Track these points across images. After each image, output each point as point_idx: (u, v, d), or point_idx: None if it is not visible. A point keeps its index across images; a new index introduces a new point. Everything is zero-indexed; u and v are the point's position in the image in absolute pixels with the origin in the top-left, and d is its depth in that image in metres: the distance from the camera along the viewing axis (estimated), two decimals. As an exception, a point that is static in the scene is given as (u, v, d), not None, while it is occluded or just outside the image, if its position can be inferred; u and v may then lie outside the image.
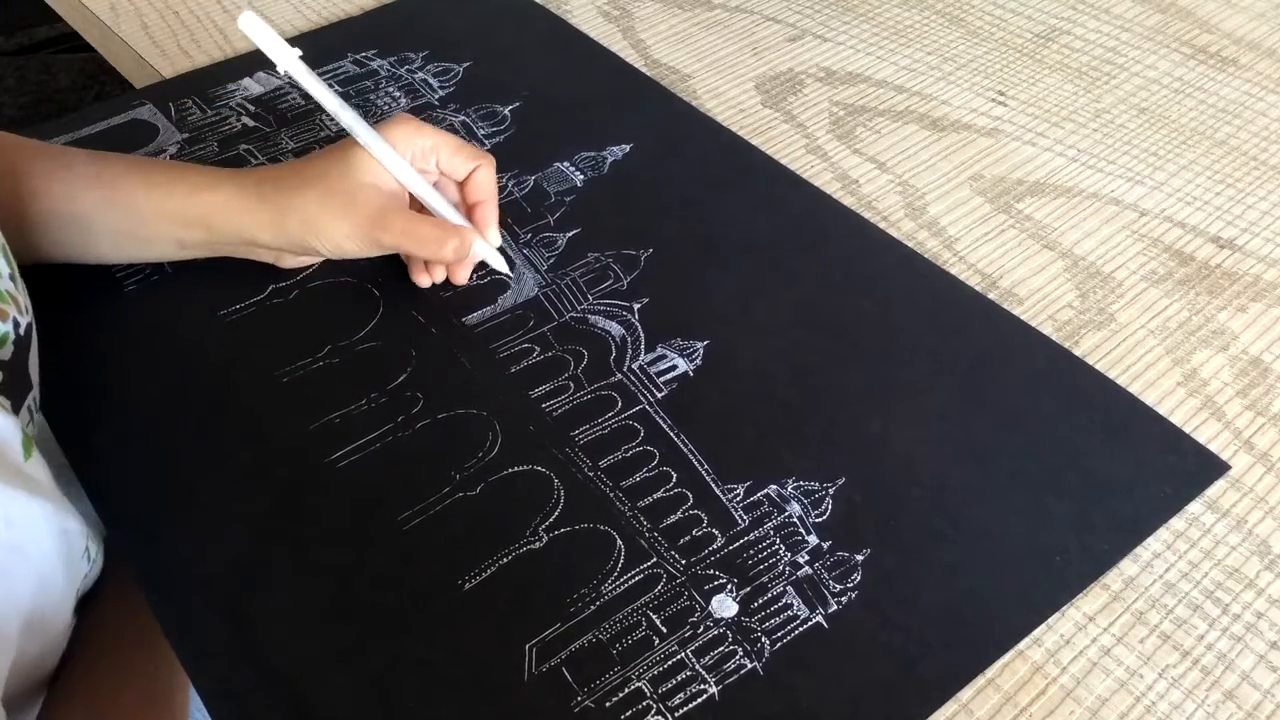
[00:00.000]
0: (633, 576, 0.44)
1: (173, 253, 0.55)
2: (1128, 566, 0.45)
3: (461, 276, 0.56)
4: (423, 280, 0.55)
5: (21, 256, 0.50)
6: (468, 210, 0.55)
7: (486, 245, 0.55)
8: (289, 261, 0.56)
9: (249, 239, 0.52)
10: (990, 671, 0.42)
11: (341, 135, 0.60)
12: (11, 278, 0.45)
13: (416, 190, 0.53)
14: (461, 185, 0.55)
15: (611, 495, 0.46)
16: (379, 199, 0.51)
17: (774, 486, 0.47)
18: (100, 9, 0.76)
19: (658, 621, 0.42)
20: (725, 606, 0.43)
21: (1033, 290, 0.57)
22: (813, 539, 0.45)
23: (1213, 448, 0.49)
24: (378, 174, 0.52)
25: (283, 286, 0.55)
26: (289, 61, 0.50)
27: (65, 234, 0.52)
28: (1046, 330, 0.54)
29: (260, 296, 0.55)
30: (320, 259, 0.56)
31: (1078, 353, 0.53)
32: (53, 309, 0.54)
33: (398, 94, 0.68)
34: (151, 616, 0.43)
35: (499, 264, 0.56)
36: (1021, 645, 0.42)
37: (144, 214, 0.52)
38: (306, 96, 0.67)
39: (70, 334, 0.53)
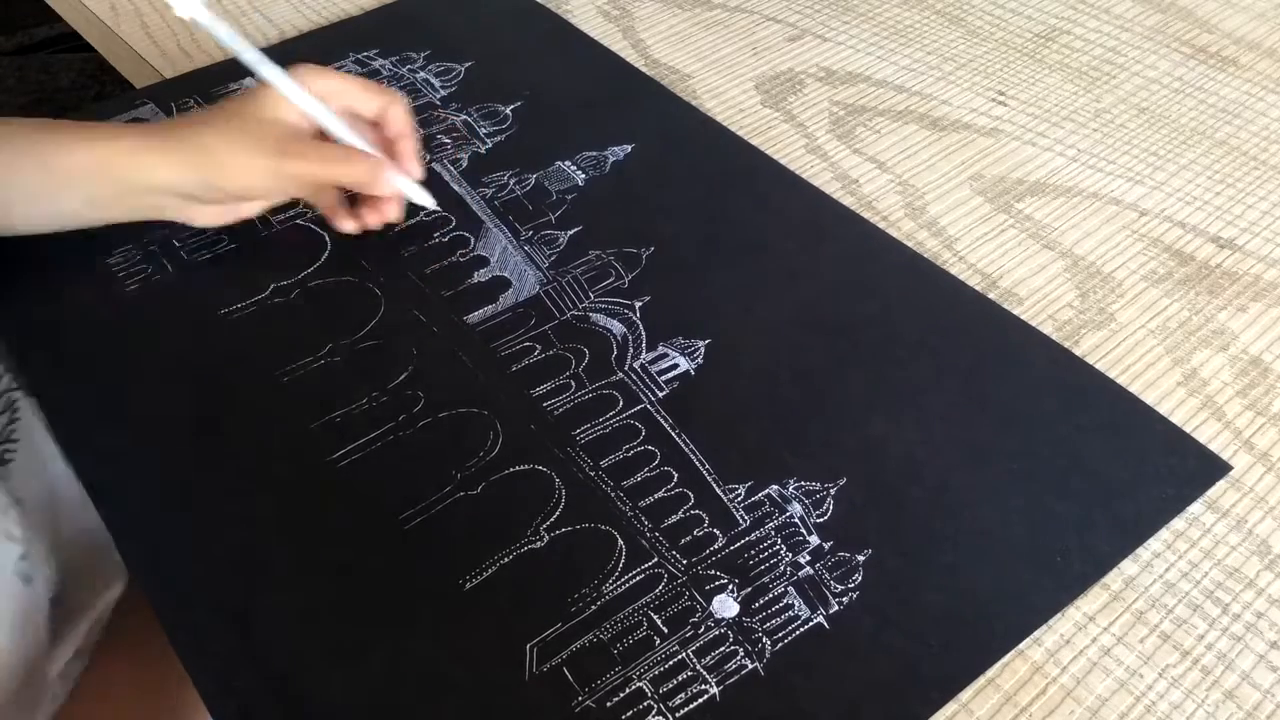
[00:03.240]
0: (634, 576, 0.44)
1: (85, 213, 0.53)
2: (1128, 566, 0.45)
3: (392, 213, 0.55)
4: (346, 225, 0.55)
5: None
6: (385, 148, 0.55)
7: (407, 180, 0.55)
8: (199, 215, 0.54)
9: (154, 185, 0.51)
10: (990, 671, 0.42)
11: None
12: None
13: (325, 122, 0.52)
14: (378, 126, 0.55)
15: (613, 495, 0.46)
16: (287, 130, 0.51)
17: (775, 487, 0.47)
18: (100, 9, 0.76)
19: (659, 621, 0.42)
20: (726, 607, 0.43)
21: (1033, 290, 0.57)
22: (814, 539, 0.45)
23: (1213, 447, 0.49)
24: (284, 109, 0.51)
25: (284, 285, 0.55)
26: (191, 7, 0.50)
27: None
28: (1047, 330, 0.54)
29: (261, 295, 0.55)
30: (231, 215, 0.55)
31: (1078, 353, 0.53)
32: (53, 308, 0.54)
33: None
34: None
35: (422, 198, 0.55)
36: (1021, 645, 0.43)
37: (52, 170, 0.51)
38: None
39: (70, 333, 0.53)
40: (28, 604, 0.49)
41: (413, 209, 0.58)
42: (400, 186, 0.54)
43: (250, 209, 0.55)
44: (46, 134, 0.51)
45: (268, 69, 0.51)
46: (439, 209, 0.56)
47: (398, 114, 0.54)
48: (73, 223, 0.54)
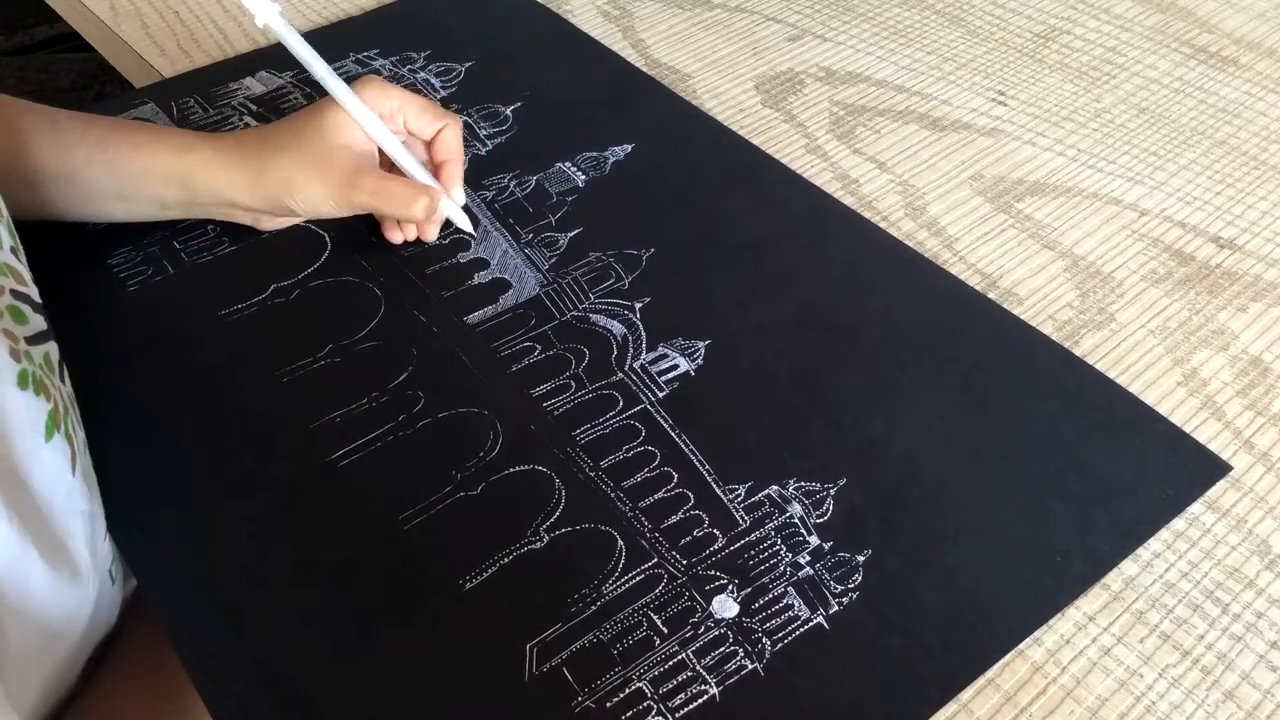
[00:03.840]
0: (634, 577, 0.44)
1: (155, 212, 0.56)
2: (1128, 566, 0.45)
3: (431, 234, 0.58)
4: (395, 237, 0.57)
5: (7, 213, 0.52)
6: (434, 169, 0.57)
7: (451, 203, 0.57)
8: (267, 223, 0.58)
9: (227, 199, 0.54)
10: (990, 671, 0.42)
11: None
12: (13, 250, 0.45)
13: (389, 148, 0.55)
14: (429, 145, 0.57)
15: (613, 495, 0.46)
16: (352, 160, 0.53)
17: (775, 487, 0.47)
18: (100, 9, 0.76)
19: (658, 622, 0.42)
20: (726, 607, 0.43)
21: (1033, 290, 0.57)
22: (814, 540, 0.45)
23: (1213, 447, 0.49)
24: (351, 135, 0.54)
25: (284, 286, 0.55)
26: (268, 15, 0.52)
27: (52, 191, 0.54)
28: (1046, 330, 0.54)
29: (262, 296, 0.55)
30: (296, 220, 0.58)
31: (1078, 353, 0.53)
32: (53, 308, 0.54)
33: (398, 94, 0.67)
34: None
35: (463, 222, 0.58)
36: (1021, 645, 0.43)
37: (128, 172, 0.53)
38: (307, 94, 0.67)
39: (71, 333, 0.53)
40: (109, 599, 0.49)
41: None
42: (447, 213, 0.57)
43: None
44: (123, 135, 0.54)
45: (336, 85, 0.53)
46: (474, 235, 0.58)
47: (451, 138, 0.57)
48: (143, 219, 0.57)
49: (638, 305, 0.54)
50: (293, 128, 0.54)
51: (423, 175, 0.56)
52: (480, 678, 0.41)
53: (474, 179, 0.62)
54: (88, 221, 0.57)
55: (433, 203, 0.54)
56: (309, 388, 0.51)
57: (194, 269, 0.56)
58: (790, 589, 0.43)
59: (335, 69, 0.54)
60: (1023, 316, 0.55)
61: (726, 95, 0.69)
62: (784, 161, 0.64)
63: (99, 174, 0.53)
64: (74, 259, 0.57)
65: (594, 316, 0.54)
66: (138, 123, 0.55)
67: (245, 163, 0.53)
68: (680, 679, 0.41)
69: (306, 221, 0.59)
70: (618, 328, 0.53)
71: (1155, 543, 0.46)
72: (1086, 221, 0.61)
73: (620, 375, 0.51)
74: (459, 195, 0.57)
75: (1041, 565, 0.44)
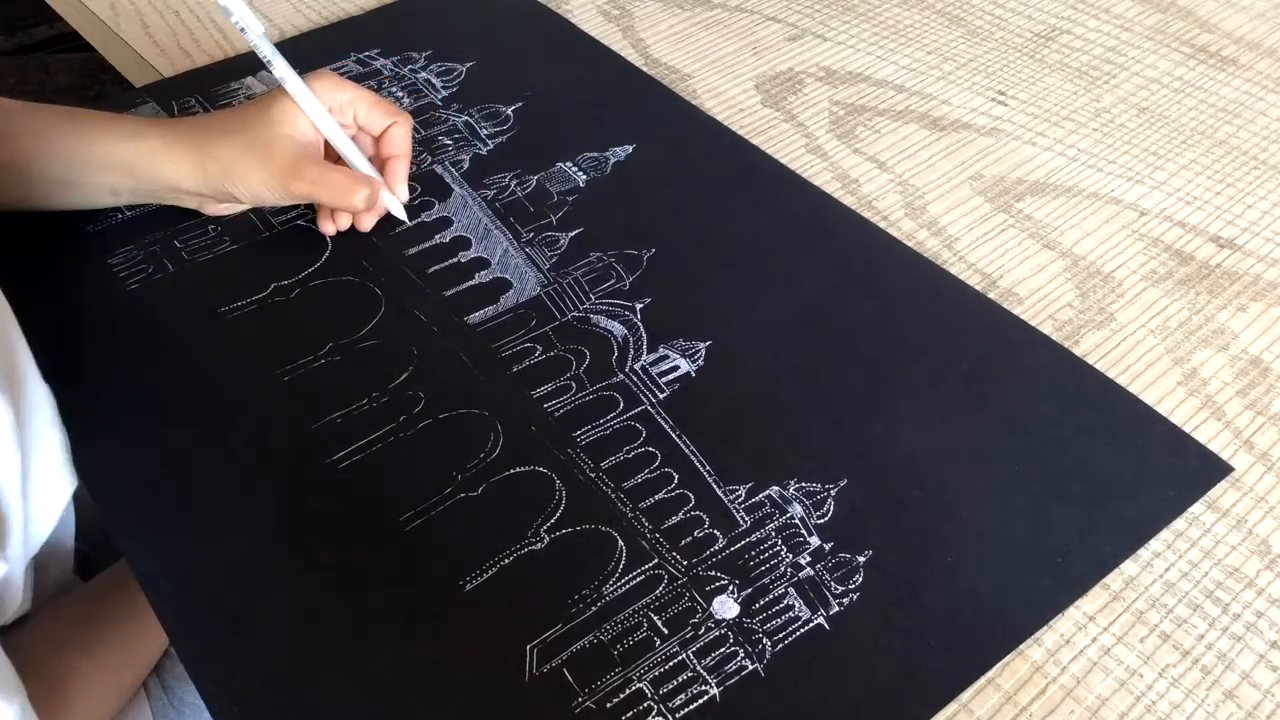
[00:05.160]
0: (634, 577, 0.44)
1: (107, 200, 0.57)
2: (1128, 566, 0.45)
3: (366, 224, 0.58)
4: (328, 227, 0.58)
5: None
6: (380, 164, 0.58)
7: (394, 199, 0.58)
8: (212, 208, 0.59)
9: (172, 185, 0.55)
10: (990, 671, 0.42)
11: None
12: None
13: (332, 137, 0.56)
14: (377, 141, 0.58)
15: (613, 496, 0.46)
16: (295, 149, 0.54)
17: (776, 488, 0.47)
18: (100, 9, 0.76)
19: (659, 623, 0.42)
20: (726, 608, 0.43)
21: (1033, 290, 0.57)
22: (814, 540, 0.45)
23: (1213, 447, 0.49)
24: (296, 125, 0.54)
25: (284, 284, 0.55)
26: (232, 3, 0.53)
27: (2, 183, 0.54)
28: (1047, 330, 0.54)
29: (262, 294, 0.55)
30: (242, 207, 0.59)
31: (1078, 352, 0.53)
32: (54, 307, 0.54)
33: (400, 94, 0.68)
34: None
35: (399, 213, 0.59)
36: (1021, 644, 0.43)
37: (75, 162, 0.54)
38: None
39: (71, 332, 0.53)
40: None
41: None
42: (386, 201, 0.58)
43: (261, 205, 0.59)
44: (68, 124, 0.55)
45: (288, 75, 0.54)
46: (408, 223, 0.59)
47: (399, 135, 0.58)
48: (95, 206, 0.58)
49: (638, 306, 0.54)
50: (241, 115, 0.55)
51: (365, 167, 0.57)
52: (480, 678, 0.41)
53: (475, 178, 0.62)
54: (38, 210, 0.57)
55: (372, 193, 0.55)
56: (310, 387, 0.51)
57: (194, 267, 0.56)
58: (791, 590, 0.43)
59: (336, 69, 0.54)
60: (1023, 316, 0.55)
61: (726, 95, 0.69)
62: (784, 161, 0.64)
63: (46, 164, 0.54)
64: (74, 258, 0.57)
65: (594, 317, 0.54)
66: (85, 111, 0.56)
67: (190, 149, 0.54)
68: (681, 679, 0.41)
69: (306, 221, 0.59)
70: (618, 329, 0.53)
71: (1155, 542, 0.46)
72: (1086, 221, 0.61)
73: (621, 377, 0.51)
74: (402, 192, 0.59)
75: (1042, 566, 0.44)
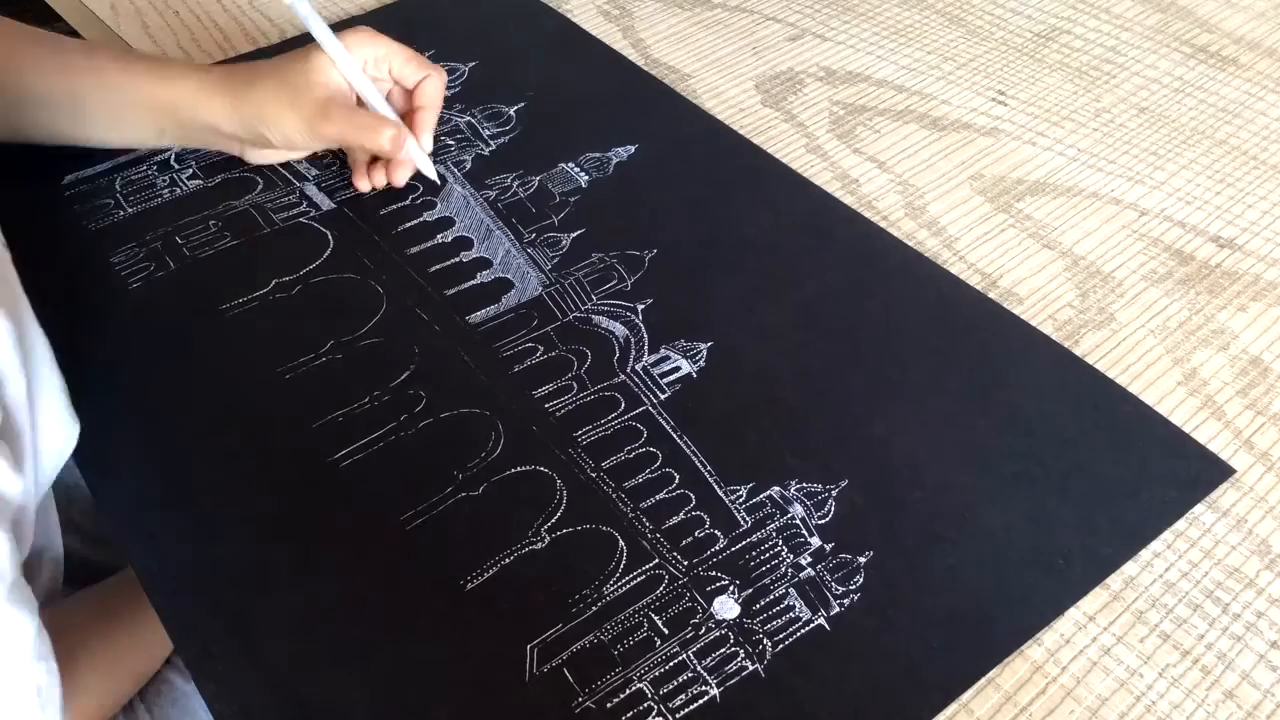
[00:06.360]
0: (635, 578, 0.44)
1: (153, 138, 0.60)
2: (1128, 566, 0.45)
3: (399, 178, 0.60)
4: (362, 184, 0.60)
5: (10, 135, 0.58)
6: (409, 116, 0.60)
7: (422, 155, 0.60)
8: (252, 155, 0.61)
9: (211, 126, 0.58)
10: (990, 671, 0.42)
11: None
12: None
13: (361, 88, 0.58)
14: (410, 93, 0.60)
15: (614, 496, 0.46)
16: (325, 93, 0.56)
17: (776, 488, 0.47)
18: (100, 9, 0.76)
19: (659, 623, 0.42)
20: (727, 608, 0.43)
21: (1033, 290, 0.57)
22: (815, 541, 0.45)
23: (1213, 447, 0.49)
24: (329, 73, 0.57)
25: (286, 281, 0.55)
26: None
27: (57, 113, 0.58)
28: (1047, 330, 0.54)
29: (263, 291, 0.55)
30: (279, 156, 0.62)
31: (1078, 352, 0.53)
32: (54, 305, 0.54)
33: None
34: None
35: (428, 169, 0.60)
36: (1021, 645, 0.43)
37: (126, 98, 0.58)
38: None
39: (71, 330, 0.53)
40: None
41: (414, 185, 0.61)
42: (412, 153, 0.60)
43: (297, 154, 0.62)
44: (120, 63, 0.58)
45: (323, 31, 0.56)
46: (438, 182, 0.61)
47: (431, 88, 0.60)
48: (143, 145, 0.62)
49: (640, 307, 0.54)
50: (277, 63, 0.57)
51: (392, 116, 0.59)
52: (481, 678, 0.41)
53: (477, 178, 0.62)
54: (92, 147, 0.60)
55: (400, 135, 0.57)
56: (311, 384, 0.51)
57: (195, 264, 0.56)
58: (791, 590, 0.43)
59: (385, 36, 0.58)
60: (1023, 316, 0.55)
61: (726, 95, 0.69)
62: (784, 161, 0.64)
63: (101, 97, 0.57)
64: (75, 255, 0.57)
65: (596, 318, 0.54)
66: (136, 53, 0.59)
67: (225, 91, 0.57)
68: (681, 680, 0.41)
69: (309, 219, 0.59)
70: (620, 330, 0.53)
71: (1155, 542, 0.46)
72: (1086, 221, 0.61)
73: (622, 377, 0.51)
74: (427, 142, 0.60)
75: (1043, 567, 0.44)
